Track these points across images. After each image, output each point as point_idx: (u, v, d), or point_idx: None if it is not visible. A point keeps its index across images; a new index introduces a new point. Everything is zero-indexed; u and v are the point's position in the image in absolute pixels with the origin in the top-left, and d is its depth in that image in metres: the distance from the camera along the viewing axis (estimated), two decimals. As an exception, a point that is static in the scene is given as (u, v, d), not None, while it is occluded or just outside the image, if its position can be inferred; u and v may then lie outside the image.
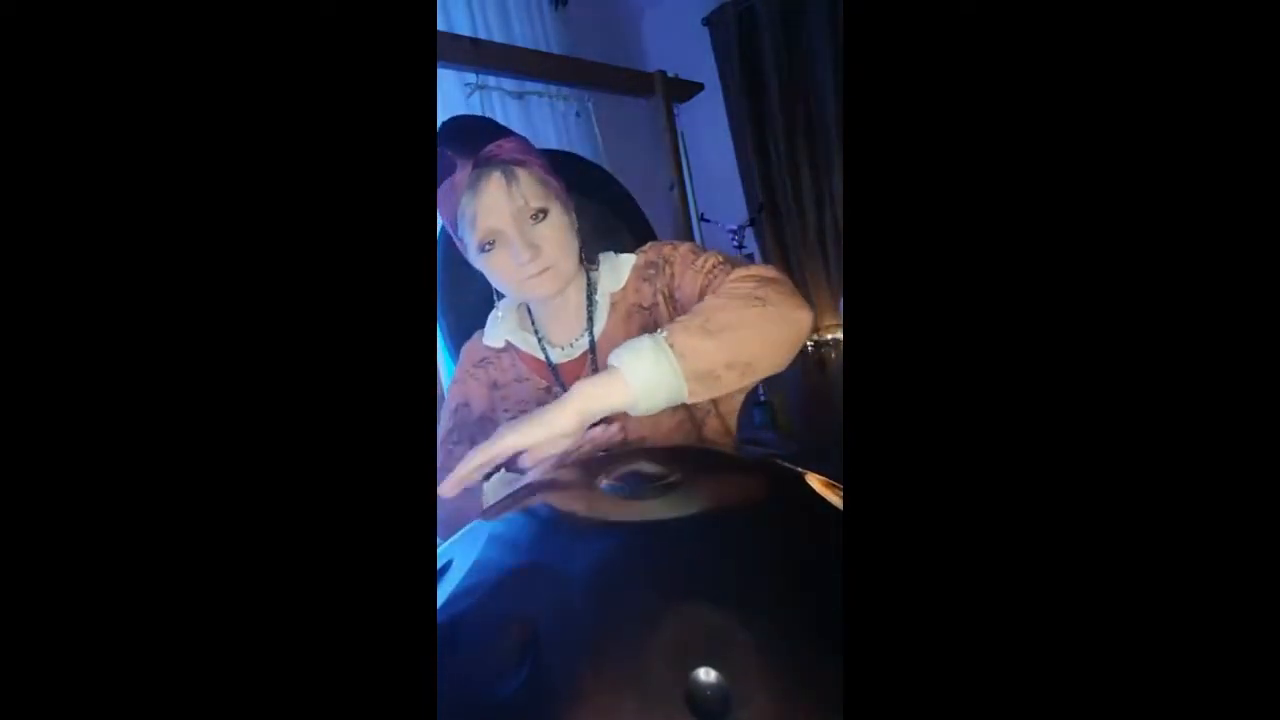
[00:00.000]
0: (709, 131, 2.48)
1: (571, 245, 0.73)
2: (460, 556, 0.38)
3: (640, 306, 0.77)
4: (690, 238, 2.08)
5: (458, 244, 0.74)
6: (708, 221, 2.24)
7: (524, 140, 0.71)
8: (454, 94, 1.79)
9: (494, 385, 0.82)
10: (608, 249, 0.84)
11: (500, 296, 0.82)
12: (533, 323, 0.83)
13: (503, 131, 0.70)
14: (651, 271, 0.78)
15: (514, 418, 0.76)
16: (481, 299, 0.85)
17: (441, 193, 0.69)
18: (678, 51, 2.51)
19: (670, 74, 1.98)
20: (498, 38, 1.92)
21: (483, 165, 0.67)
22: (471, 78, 1.75)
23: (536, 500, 0.42)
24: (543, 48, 2.05)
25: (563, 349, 0.80)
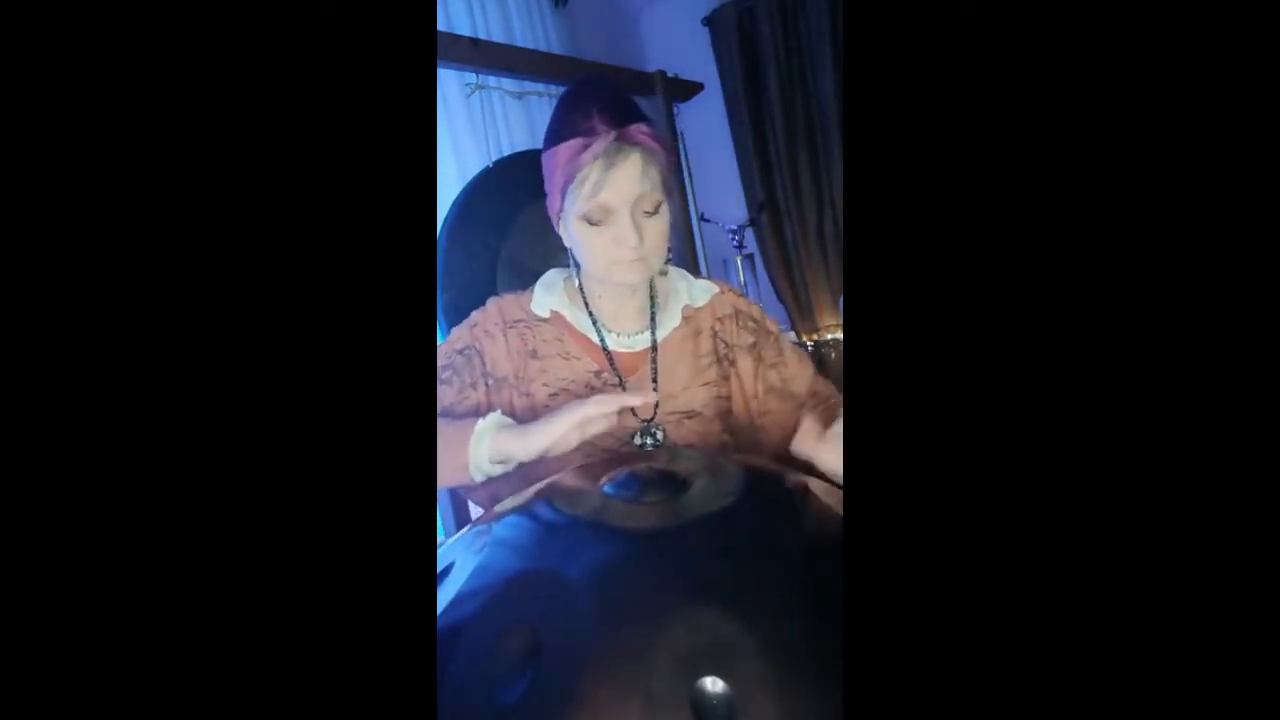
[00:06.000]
0: (709, 131, 2.48)
1: (665, 244, 0.75)
2: (462, 559, 0.38)
3: (721, 339, 0.83)
4: (690, 238, 2.08)
5: (552, 202, 0.73)
6: (708, 221, 2.24)
7: (658, 130, 0.72)
8: (454, 94, 1.79)
9: (533, 354, 0.78)
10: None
11: (576, 266, 0.81)
12: (585, 302, 0.81)
13: (644, 115, 0.70)
14: (753, 325, 0.84)
15: (555, 394, 0.76)
16: (482, 302, 0.84)
17: (566, 149, 0.68)
18: (678, 51, 2.50)
19: (670, 74, 1.98)
20: (498, 38, 1.91)
21: (625, 140, 0.67)
22: (471, 78, 1.74)
23: (540, 503, 0.42)
24: (543, 48, 2.04)
25: (618, 336, 0.80)
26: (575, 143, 0.67)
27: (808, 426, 0.66)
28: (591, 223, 0.70)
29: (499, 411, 0.70)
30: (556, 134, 0.70)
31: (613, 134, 0.66)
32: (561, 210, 0.73)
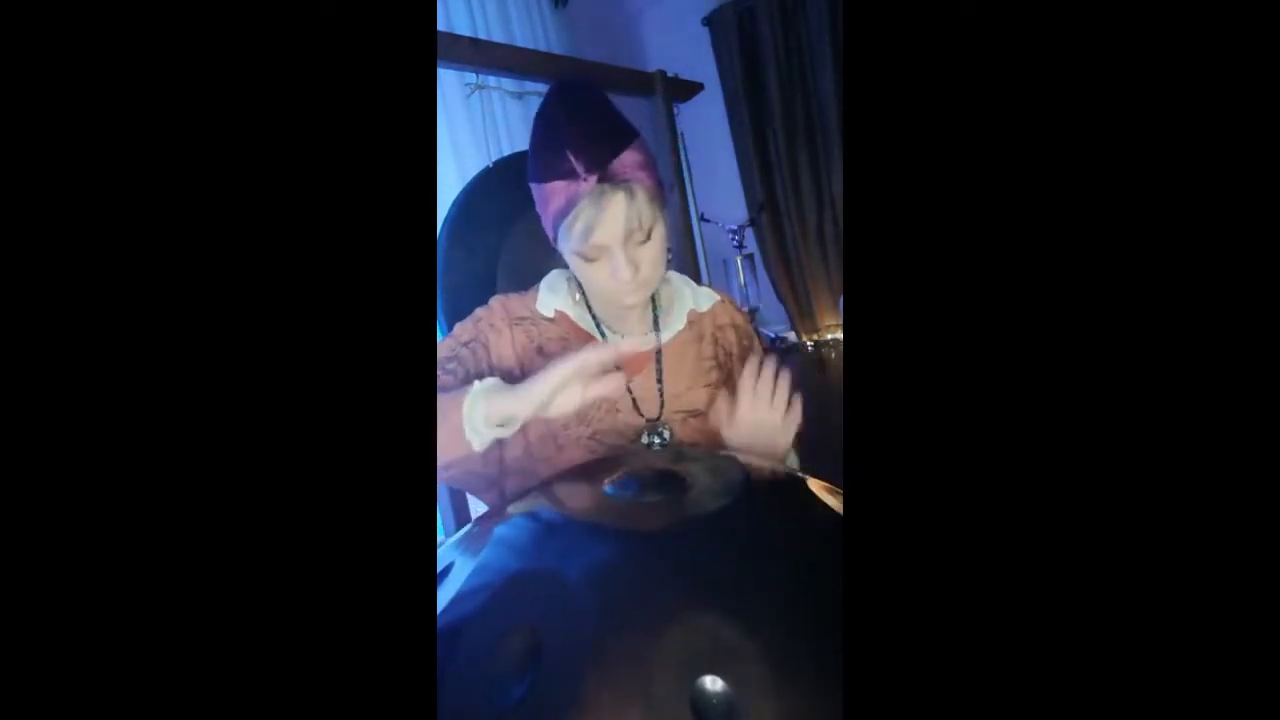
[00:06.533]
0: (709, 131, 2.48)
1: (663, 261, 0.75)
2: (462, 559, 0.38)
3: (721, 346, 0.85)
4: (690, 238, 2.08)
5: (547, 230, 0.74)
6: (708, 221, 2.24)
7: (643, 146, 0.70)
8: (454, 94, 1.79)
9: (539, 350, 0.79)
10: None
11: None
12: (585, 301, 0.82)
13: (626, 136, 0.69)
14: (746, 344, 0.88)
15: None
16: (482, 301, 0.84)
17: (549, 190, 0.68)
18: (678, 51, 2.50)
19: (670, 74, 1.98)
20: (498, 38, 1.91)
21: (608, 183, 0.66)
22: (471, 78, 1.75)
23: (541, 503, 0.42)
24: (543, 48, 2.04)
25: (621, 336, 0.81)
26: (557, 185, 0.67)
27: (721, 407, 0.71)
28: (586, 259, 0.70)
29: (496, 377, 0.68)
30: (537, 168, 0.69)
31: (594, 179, 0.65)
32: (556, 240, 0.73)
